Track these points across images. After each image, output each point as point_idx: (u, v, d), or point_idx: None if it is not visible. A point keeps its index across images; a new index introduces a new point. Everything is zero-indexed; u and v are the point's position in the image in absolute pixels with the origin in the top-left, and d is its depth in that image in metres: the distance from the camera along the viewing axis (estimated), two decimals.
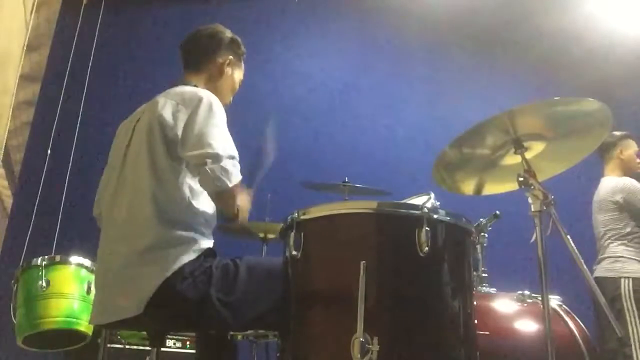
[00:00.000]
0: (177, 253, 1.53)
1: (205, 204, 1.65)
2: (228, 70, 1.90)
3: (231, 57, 1.91)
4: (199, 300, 1.50)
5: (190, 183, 1.62)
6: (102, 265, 1.67)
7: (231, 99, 1.94)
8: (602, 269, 3.02)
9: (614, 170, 3.23)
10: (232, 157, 1.59)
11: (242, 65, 1.98)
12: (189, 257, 1.54)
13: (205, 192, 1.63)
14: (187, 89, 1.73)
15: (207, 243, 1.62)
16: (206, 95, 1.67)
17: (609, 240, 3.05)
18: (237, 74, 1.95)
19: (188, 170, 1.63)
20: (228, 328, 1.66)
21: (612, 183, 3.13)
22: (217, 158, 1.55)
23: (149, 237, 1.54)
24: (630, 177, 3.21)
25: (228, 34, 1.93)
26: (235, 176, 1.57)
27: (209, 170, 1.54)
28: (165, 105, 1.64)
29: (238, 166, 1.61)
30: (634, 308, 2.84)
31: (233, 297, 1.53)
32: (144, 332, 2.30)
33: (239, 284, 1.55)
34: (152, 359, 1.74)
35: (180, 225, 1.57)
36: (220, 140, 1.59)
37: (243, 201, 1.66)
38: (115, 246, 1.63)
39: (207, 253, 1.60)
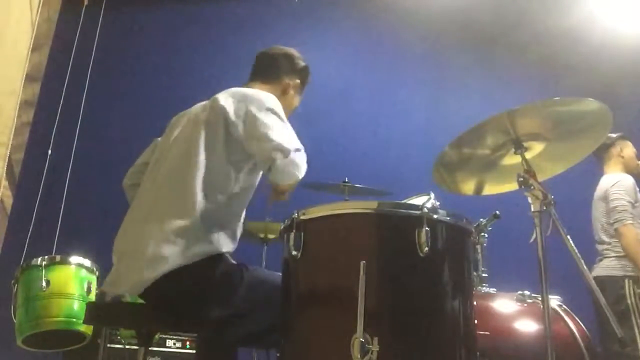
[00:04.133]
0: (198, 246, 1.54)
1: (242, 207, 1.69)
2: (291, 92, 1.96)
3: (298, 81, 1.97)
4: (194, 299, 1.51)
5: (239, 183, 1.65)
6: (127, 237, 1.68)
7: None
8: (605, 268, 2.99)
9: (615, 166, 3.21)
10: (298, 150, 1.66)
11: (303, 94, 2.05)
12: (206, 253, 1.55)
13: (245, 197, 1.69)
14: (247, 89, 1.78)
15: (228, 247, 1.63)
16: (266, 94, 1.72)
17: (615, 239, 2.99)
18: (297, 100, 2.01)
19: (243, 170, 1.66)
20: (217, 334, 1.64)
21: (615, 179, 3.10)
22: (286, 153, 1.60)
23: (183, 220, 1.54)
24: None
25: (303, 61, 2.01)
26: (304, 167, 1.68)
27: (280, 166, 1.61)
28: (227, 101, 1.68)
29: (305, 156, 1.70)
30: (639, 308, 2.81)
31: (229, 309, 1.54)
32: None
33: (236, 297, 1.55)
34: (140, 359, 1.72)
35: (215, 221, 1.59)
36: (285, 134, 1.65)
37: None
38: (145, 222, 1.62)
39: (221, 256, 1.60)
